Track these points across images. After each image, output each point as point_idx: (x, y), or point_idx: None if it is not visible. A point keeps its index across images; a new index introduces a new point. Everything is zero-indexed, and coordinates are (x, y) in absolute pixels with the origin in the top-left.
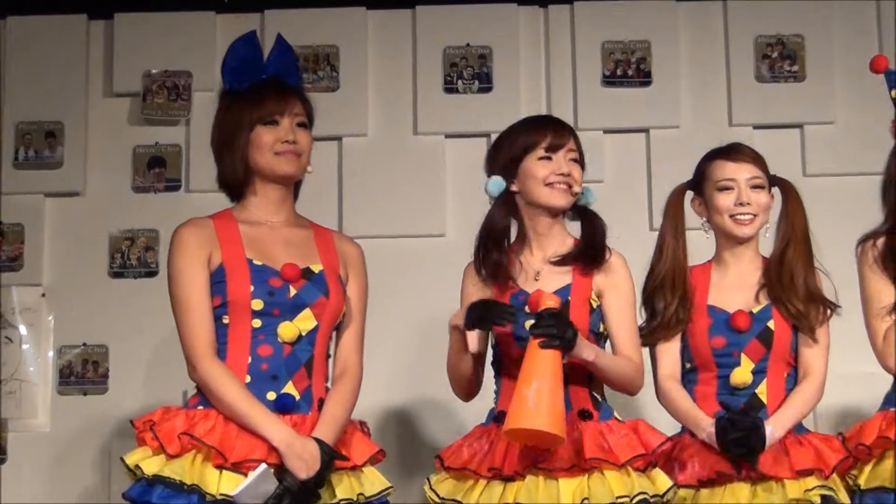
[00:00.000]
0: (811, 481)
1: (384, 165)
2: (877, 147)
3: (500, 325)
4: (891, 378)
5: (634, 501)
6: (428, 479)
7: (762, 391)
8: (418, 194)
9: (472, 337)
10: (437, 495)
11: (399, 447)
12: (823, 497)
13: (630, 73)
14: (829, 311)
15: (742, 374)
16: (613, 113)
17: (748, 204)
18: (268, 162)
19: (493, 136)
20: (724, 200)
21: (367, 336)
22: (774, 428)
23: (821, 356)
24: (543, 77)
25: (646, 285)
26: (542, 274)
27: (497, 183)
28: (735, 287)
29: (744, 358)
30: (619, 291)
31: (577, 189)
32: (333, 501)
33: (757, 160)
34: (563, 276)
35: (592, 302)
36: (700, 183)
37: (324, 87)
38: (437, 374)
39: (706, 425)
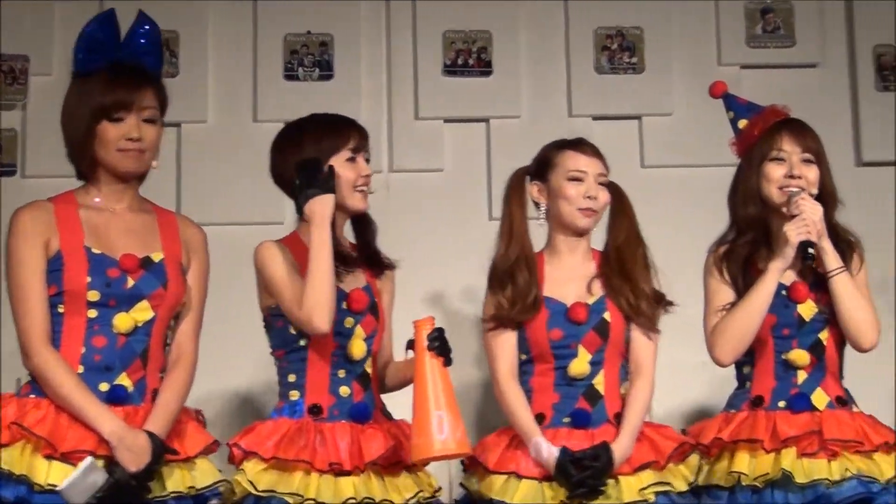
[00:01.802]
0: (646, 477)
1: (224, 152)
2: (713, 139)
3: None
4: (725, 369)
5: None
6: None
7: (599, 382)
8: (258, 181)
9: None
10: (255, 487)
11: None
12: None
13: (471, 62)
14: (664, 308)
15: (580, 365)
16: (454, 102)
17: (595, 198)
18: (111, 158)
19: None
20: (574, 190)
21: (208, 322)
22: (621, 451)
23: (653, 350)
24: (384, 65)
25: (493, 272)
26: (345, 271)
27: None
28: (569, 279)
29: (581, 349)
30: (392, 296)
31: (373, 190)
32: (163, 494)
33: (602, 157)
34: (360, 277)
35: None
36: (544, 170)
37: (163, 72)
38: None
39: (542, 452)
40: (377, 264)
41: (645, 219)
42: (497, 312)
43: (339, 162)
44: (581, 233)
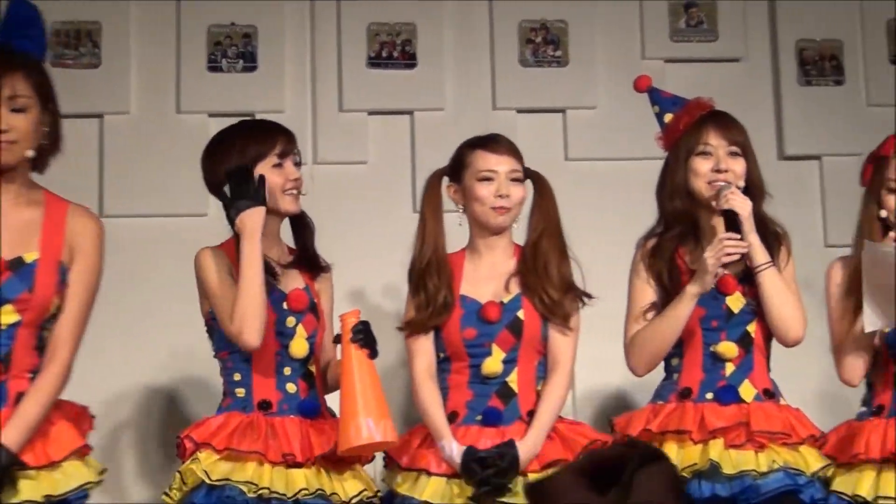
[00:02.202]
0: None
1: (146, 144)
2: (637, 132)
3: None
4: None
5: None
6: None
7: (513, 380)
8: (181, 173)
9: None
10: (209, 476)
11: (164, 429)
12: None
13: (395, 55)
14: (581, 301)
15: (493, 364)
16: (378, 94)
17: (507, 196)
18: None
19: (259, 116)
20: (485, 190)
21: (128, 313)
22: (527, 449)
23: (570, 346)
24: (308, 57)
25: (410, 275)
26: (278, 272)
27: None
28: (488, 277)
29: (495, 348)
30: (330, 295)
31: (304, 192)
32: (13, 502)
33: (515, 153)
34: (298, 278)
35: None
36: (458, 171)
37: (85, 63)
38: (203, 353)
39: (450, 450)
40: (314, 267)
41: (569, 212)
42: (411, 317)
43: (266, 167)
44: (497, 231)
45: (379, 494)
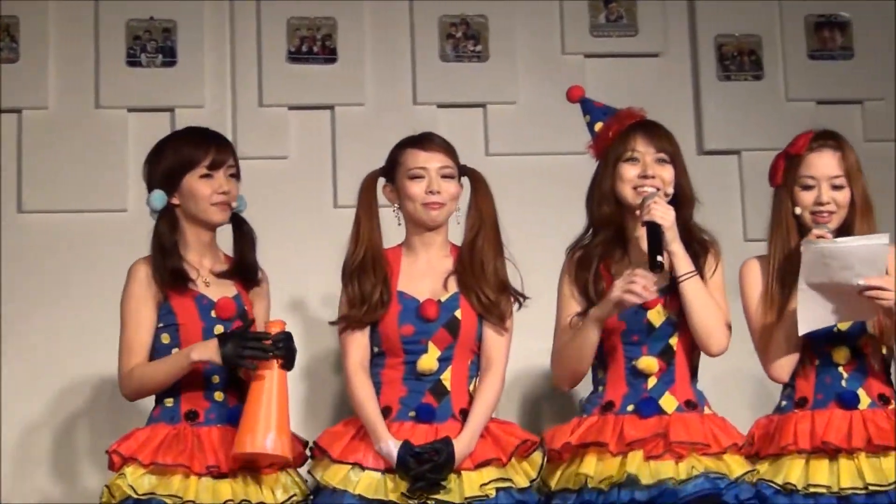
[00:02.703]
0: (488, 473)
1: (65, 139)
2: (557, 127)
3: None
4: None
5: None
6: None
7: (447, 378)
8: (100, 169)
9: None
10: (135, 491)
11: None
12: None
13: (315, 49)
14: (518, 302)
15: (428, 361)
16: (298, 89)
17: (438, 192)
18: None
19: (178, 111)
20: (415, 188)
21: (44, 310)
22: (462, 447)
23: (504, 346)
24: (228, 52)
25: (343, 272)
26: (210, 281)
27: (159, 198)
28: (425, 274)
29: (431, 346)
30: (265, 300)
31: (234, 204)
32: None
33: (447, 150)
34: (230, 287)
35: None
36: (392, 170)
37: (3, 58)
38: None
39: (387, 445)
40: (246, 278)
41: None
42: (347, 313)
43: (194, 177)
44: (431, 227)
45: (311, 499)
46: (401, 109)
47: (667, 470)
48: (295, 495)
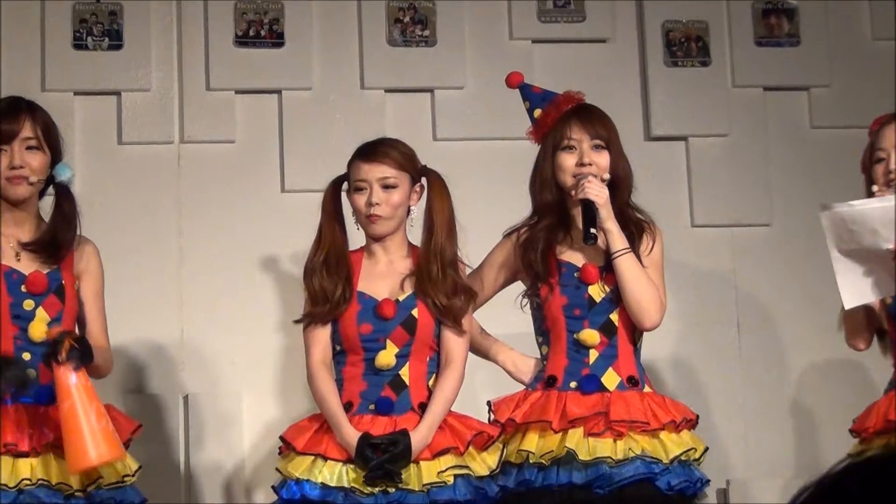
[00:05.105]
0: (445, 461)
1: None
2: (504, 113)
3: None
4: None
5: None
6: None
7: (405, 373)
8: None
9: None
10: None
11: None
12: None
13: (263, 33)
14: (473, 301)
15: (386, 357)
16: (245, 74)
17: (377, 204)
18: None
19: (124, 94)
20: (359, 201)
21: None
22: (419, 439)
23: (463, 345)
24: (175, 35)
25: (305, 272)
26: (21, 255)
27: None
28: (384, 275)
29: (389, 343)
30: (94, 277)
31: (32, 179)
32: None
33: (390, 159)
34: (50, 262)
35: (77, 287)
36: (347, 180)
37: None
38: None
39: (347, 436)
40: (50, 253)
41: None
42: (311, 310)
43: None
44: (377, 238)
45: (128, 481)
46: (348, 94)
47: (604, 448)
48: (101, 478)
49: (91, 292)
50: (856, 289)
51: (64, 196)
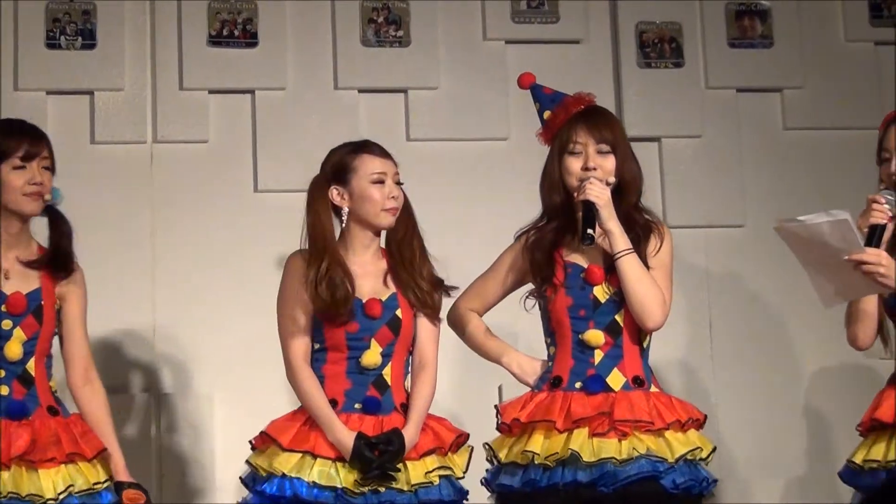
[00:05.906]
0: (431, 462)
1: None
2: (478, 113)
3: None
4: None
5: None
6: None
7: (387, 373)
8: None
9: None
10: None
11: None
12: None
13: (236, 33)
14: (447, 294)
15: (372, 356)
16: (219, 73)
17: (397, 197)
18: None
19: (97, 94)
20: (378, 193)
21: None
22: (409, 438)
23: (435, 342)
24: (148, 35)
25: (315, 278)
26: (11, 273)
27: None
28: (365, 274)
29: (374, 342)
30: (80, 298)
31: (47, 196)
32: None
33: (392, 158)
34: (33, 280)
35: (57, 308)
36: (343, 175)
37: None
38: None
39: (341, 435)
40: (58, 268)
41: (410, 192)
42: (316, 306)
43: (7, 168)
44: (379, 231)
45: (99, 488)
46: (321, 94)
47: (609, 448)
48: (72, 486)
49: (77, 313)
50: (831, 290)
51: (59, 216)
